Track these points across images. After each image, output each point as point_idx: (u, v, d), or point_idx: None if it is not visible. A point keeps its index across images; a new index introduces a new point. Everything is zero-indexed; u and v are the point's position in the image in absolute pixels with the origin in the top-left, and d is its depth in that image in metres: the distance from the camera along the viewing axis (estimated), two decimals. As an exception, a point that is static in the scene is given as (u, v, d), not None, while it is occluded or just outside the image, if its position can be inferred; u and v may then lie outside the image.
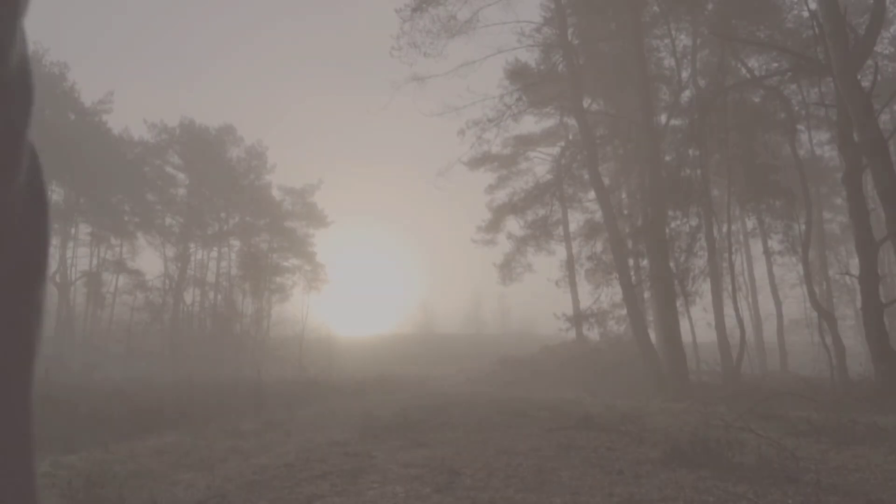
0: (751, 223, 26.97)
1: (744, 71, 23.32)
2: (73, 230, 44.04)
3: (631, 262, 23.28)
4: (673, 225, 20.02)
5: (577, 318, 27.38)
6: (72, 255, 44.16)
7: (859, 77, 13.67)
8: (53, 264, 42.45)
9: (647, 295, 24.63)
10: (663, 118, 25.42)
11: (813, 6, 14.09)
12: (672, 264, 19.64)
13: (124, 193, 44.07)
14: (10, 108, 0.85)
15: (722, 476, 4.80)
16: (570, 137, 32.92)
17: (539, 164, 36.40)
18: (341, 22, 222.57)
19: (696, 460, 4.73)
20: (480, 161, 33.58)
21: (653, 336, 22.77)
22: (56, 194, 42.82)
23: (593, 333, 27.96)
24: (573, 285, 33.03)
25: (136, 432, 7.26)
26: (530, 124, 57.32)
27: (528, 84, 27.23)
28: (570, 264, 32.43)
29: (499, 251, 35.15)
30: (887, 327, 13.20)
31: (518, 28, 27.87)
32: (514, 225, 34.73)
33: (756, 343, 32.67)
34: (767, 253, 28.06)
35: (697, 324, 22.76)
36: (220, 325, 48.65)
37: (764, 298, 39.58)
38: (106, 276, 45.32)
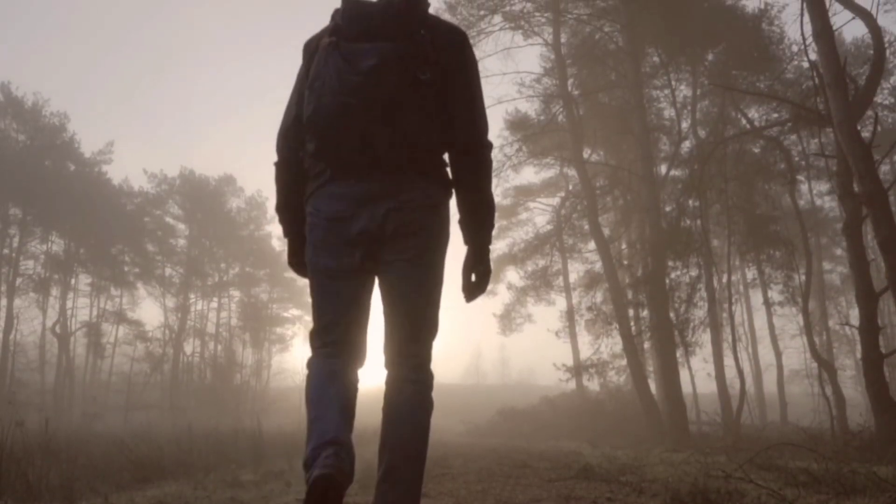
0: (751, 274, 26.91)
1: (744, 121, 23.41)
2: (73, 280, 44.04)
3: (631, 312, 23.25)
4: (673, 275, 19.99)
5: (578, 369, 27.19)
6: (72, 305, 44.17)
7: (859, 128, 13.73)
8: (53, 315, 42.46)
9: (647, 345, 24.55)
10: (663, 168, 25.49)
11: (813, 57, 14.15)
12: (672, 315, 19.60)
13: (124, 244, 44.16)
14: None
15: (722, 527, 4.78)
16: (570, 188, 33.04)
17: (539, 215, 36.43)
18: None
19: (696, 511, 4.71)
20: (481, 211, 33.47)
21: (653, 387, 22.69)
22: (56, 244, 42.97)
23: (593, 384, 27.84)
24: (573, 336, 32.95)
25: (135, 483, 7.24)
26: (530, 175, 57.47)
27: (528, 135, 27.33)
28: (570, 315, 32.28)
29: (499, 301, 34.96)
30: (887, 378, 13.15)
31: (518, 79, 28.06)
32: (514, 275, 34.64)
33: (756, 393, 32.55)
34: (767, 303, 28.01)
35: (697, 374, 22.66)
36: (220, 376, 48.54)
37: (764, 349, 39.47)
38: (106, 326, 45.33)
